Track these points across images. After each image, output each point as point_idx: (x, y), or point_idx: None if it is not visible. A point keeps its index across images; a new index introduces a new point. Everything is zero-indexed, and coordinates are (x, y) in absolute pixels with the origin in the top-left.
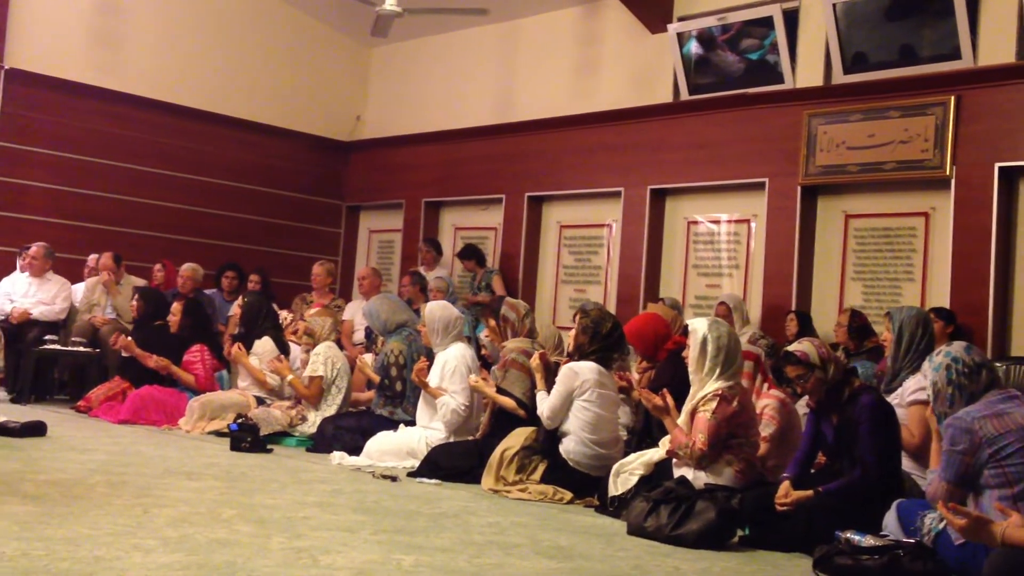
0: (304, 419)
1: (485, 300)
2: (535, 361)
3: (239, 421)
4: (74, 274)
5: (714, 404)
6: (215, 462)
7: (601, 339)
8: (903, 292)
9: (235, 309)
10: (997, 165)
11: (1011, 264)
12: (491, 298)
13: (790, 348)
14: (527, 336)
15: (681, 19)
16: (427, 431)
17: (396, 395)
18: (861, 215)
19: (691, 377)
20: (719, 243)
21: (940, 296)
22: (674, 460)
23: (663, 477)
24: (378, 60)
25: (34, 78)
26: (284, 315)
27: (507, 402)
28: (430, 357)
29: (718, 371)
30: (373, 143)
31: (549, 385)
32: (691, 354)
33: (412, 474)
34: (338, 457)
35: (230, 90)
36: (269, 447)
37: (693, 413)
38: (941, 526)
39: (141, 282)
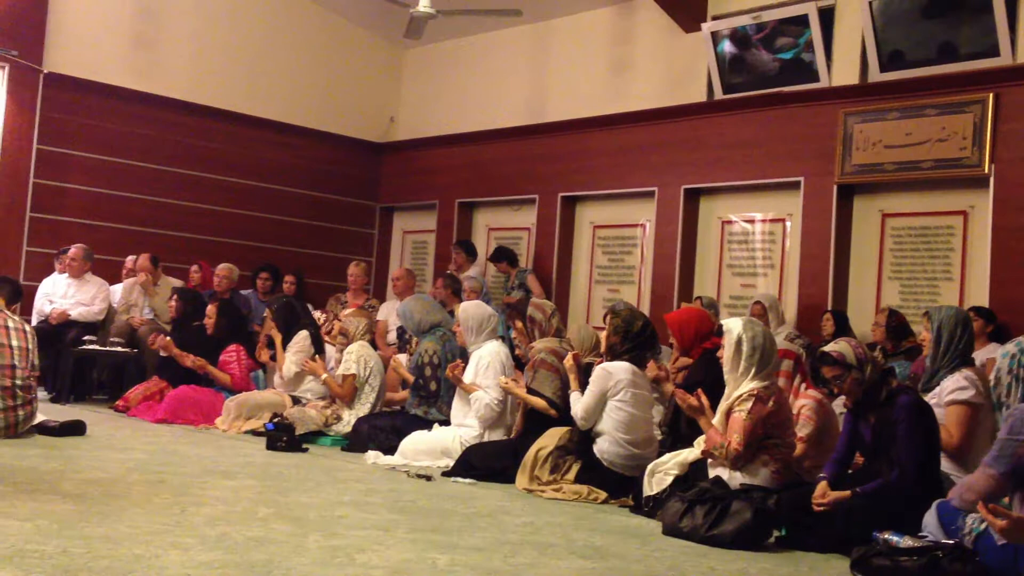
0: (339, 418)
1: (513, 301)
2: (568, 362)
3: (275, 420)
4: (112, 275)
5: (749, 404)
6: (251, 461)
7: (633, 338)
8: (941, 291)
9: (267, 312)
10: None
11: None
12: (517, 299)
13: (826, 348)
14: (554, 336)
15: (715, 18)
16: (461, 430)
17: (430, 395)
18: (898, 214)
19: (726, 377)
20: (754, 243)
21: (979, 295)
22: (709, 460)
23: (698, 477)
24: (411, 61)
25: (73, 82)
26: (319, 315)
27: (538, 402)
28: (464, 358)
29: (753, 371)
30: (407, 144)
31: (582, 385)
32: (726, 354)
33: (446, 473)
34: (373, 456)
35: (265, 93)
36: (304, 446)
37: (728, 413)
38: (982, 527)
39: (178, 283)
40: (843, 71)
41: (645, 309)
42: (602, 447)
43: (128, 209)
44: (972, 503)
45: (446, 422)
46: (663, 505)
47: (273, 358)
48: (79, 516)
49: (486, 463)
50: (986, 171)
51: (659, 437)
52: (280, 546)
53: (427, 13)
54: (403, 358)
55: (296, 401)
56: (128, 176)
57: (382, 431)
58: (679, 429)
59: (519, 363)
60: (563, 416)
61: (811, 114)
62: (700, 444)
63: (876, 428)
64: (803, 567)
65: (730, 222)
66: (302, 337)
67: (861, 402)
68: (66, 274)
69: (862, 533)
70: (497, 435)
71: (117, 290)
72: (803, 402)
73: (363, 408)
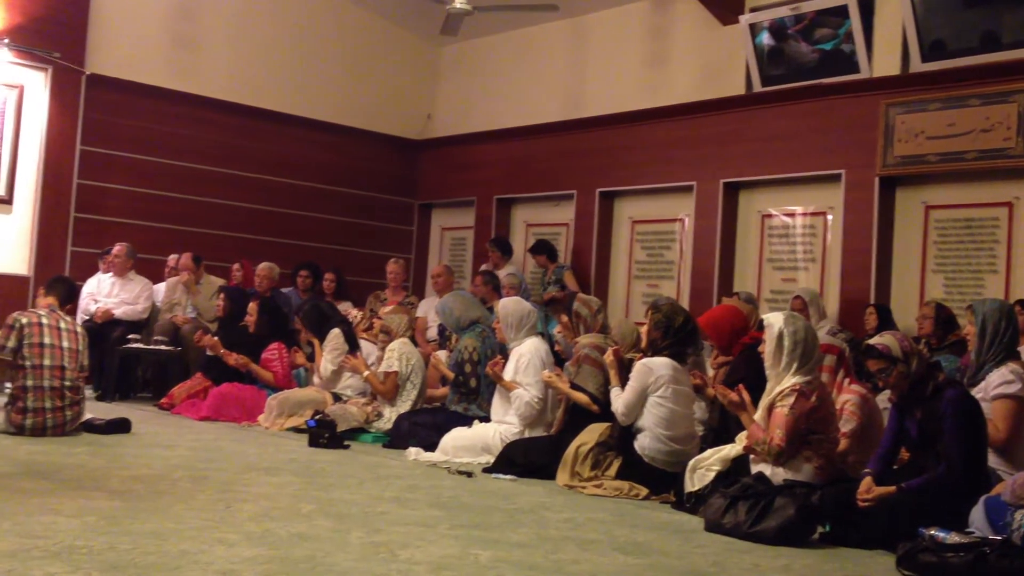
0: (380, 415)
1: (559, 296)
2: (609, 357)
3: (316, 417)
4: (155, 274)
5: (792, 399)
6: (294, 458)
7: (674, 334)
8: (986, 284)
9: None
10: None
11: None
12: (564, 294)
13: (871, 341)
14: (600, 332)
15: (753, 10)
16: (501, 426)
17: (470, 391)
18: (942, 206)
19: (767, 372)
20: (794, 236)
21: None
22: (751, 456)
23: (740, 473)
24: (448, 58)
25: (114, 83)
26: (357, 313)
27: (580, 397)
28: (504, 354)
29: (795, 366)
30: (444, 141)
31: (623, 381)
32: (767, 349)
33: (487, 470)
34: (414, 453)
35: (304, 91)
36: (346, 443)
37: (770, 409)
38: None
39: (221, 281)
40: (884, 62)
41: (685, 304)
42: (643, 443)
43: (170, 208)
44: None
45: (486, 418)
46: (705, 501)
47: (311, 358)
48: (126, 513)
49: (527, 459)
50: None
51: (700, 433)
52: (323, 542)
53: (463, 10)
54: (443, 355)
55: (337, 398)
56: (169, 175)
57: (423, 428)
58: (728, 429)
59: (559, 359)
60: (605, 412)
61: (852, 106)
62: (742, 440)
63: (922, 423)
64: (848, 564)
65: (770, 216)
66: (335, 335)
67: (907, 396)
68: (110, 273)
69: (907, 529)
70: (537, 431)
71: (160, 289)
72: (847, 397)
73: (404, 405)
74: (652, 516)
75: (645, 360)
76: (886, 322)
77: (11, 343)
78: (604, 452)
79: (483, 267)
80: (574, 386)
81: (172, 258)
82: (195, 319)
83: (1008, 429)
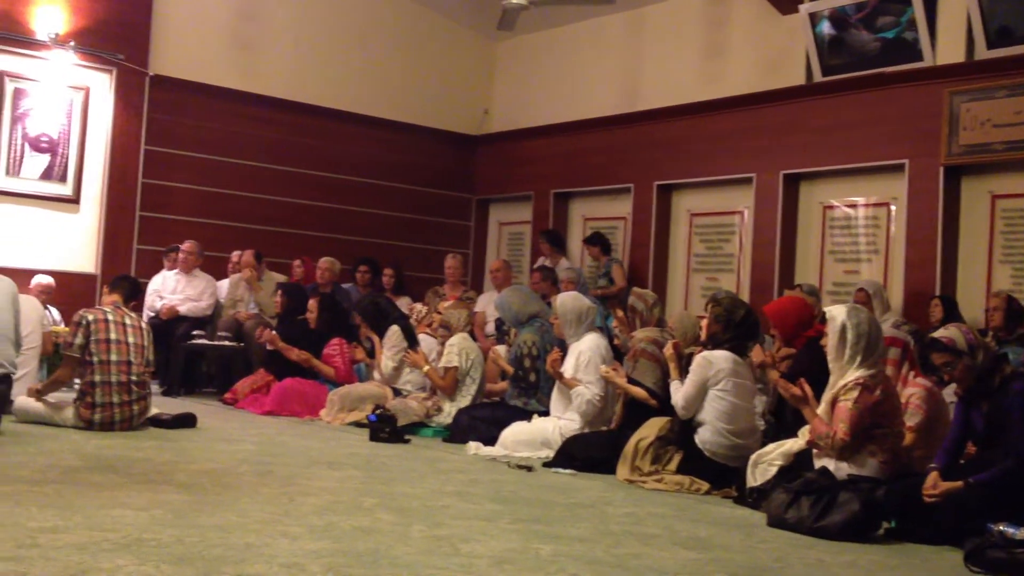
0: (440, 410)
1: (609, 292)
2: (668, 351)
3: (377, 412)
4: (218, 271)
5: (856, 393)
6: (355, 452)
7: (735, 327)
8: None
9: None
10: None
11: None
12: (614, 289)
13: (936, 334)
14: (656, 326)
15: None
16: (561, 421)
17: (530, 386)
18: (1009, 195)
19: (830, 365)
20: (857, 228)
21: None
22: (814, 451)
23: (803, 468)
24: (504, 53)
25: (177, 84)
26: (418, 308)
27: (639, 392)
28: (563, 348)
29: (859, 359)
30: (501, 136)
31: (683, 375)
32: (830, 342)
33: (547, 464)
34: (474, 447)
35: (362, 89)
36: (406, 437)
37: (834, 402)
38: None
39: (282, 278)
40: (948, 49)
41: (745, 297)
42: (704, 437)
43: (232, 206)
44: None
45: (545, 413)
46: (768, 496)
47: (371, 355)
48: (192, 506)
49: (586, 454)
50: None
51: (762, 427)
52: (385, 536)
53: (520, 4)
54: (502, 349)
55: (397, 393)
56: (231, 174)
57: (482, 422)
58: (784, 417)
59: (618, 353)
60: (664, 406)
61: (915, 94)
62: (804, 434)
63: (989, 416)
64: (914, 560)
65: (832, 207)
66: (394, 332)
67: (973, 389)
68: (175, 270)
69: (975, 525)
70: (597, 426)
71: (224, 286)
72: (912, 391)
73: (464, 400)
74: (714, 511)
75: (705, 353)
76: (952, 314)
77: (79, 340)
78: (664, 446)
79: (539, 261)
80: (632, 381)
81: (235, 255)
82: (257, 315)
83: None
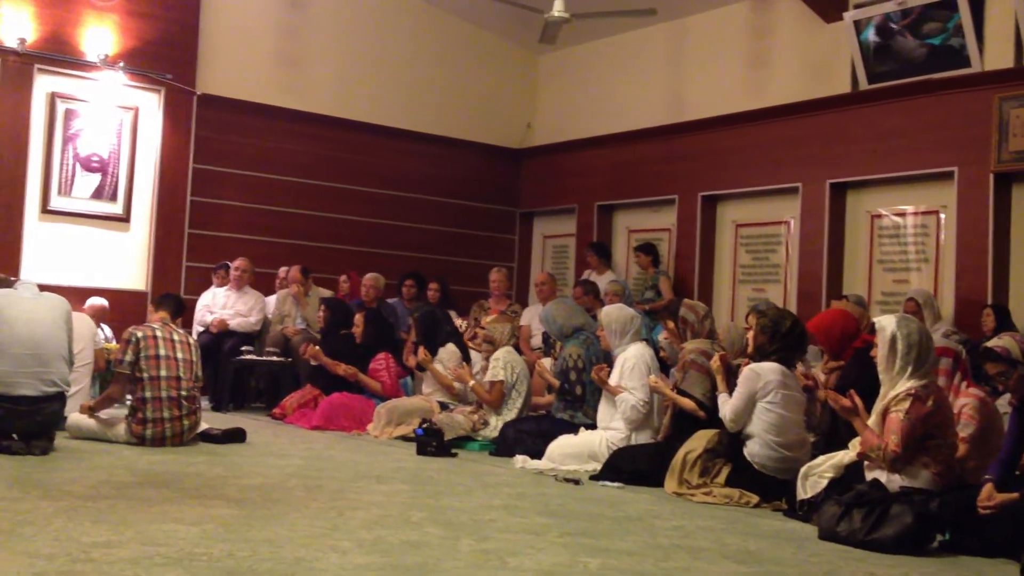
0: (486, 423)
1: (657, 306)
2: (715, 363)
3: (424, 426)
4: (266, 287)
5: (907, 404)
6: (403, 466)
7: (781, 338)
8: None
9: (411, 321)
10: None
11: None
12: (661, 303)
13: (990, 344)
14: (707, 337)
15: (858, 6)
16: (608, 433)
17: (576, 399)
18: None
19: (881, 376)
20: (905, 237)
21: None
22: (865, 463)
23: (854, 480)
24: (546, 67)
25: (224, 102)
26: (461, 322)
27: (687, 403)
28: (608, 361)
29: (910, 369)
30: (544, 149)
31: (731, 387)
32: (880, 353)
33: (594, 477)
34: (521, 461)
35: (406, 104)
36: (453, 451)
37: (885, 414)
38: None
39: (328, 293)
40: (996, 55)
41: (792, 308)
42: (752, 450)
43: (278, 222)
44: None
45: (592, 426)
46: (819, 509)
47: (420, 368)
48: (242, 520)
49: (634, 466)
50: None
51: (811, 439)
52: (434, 549)
53: (561, 17)
54: (547, 362)
55: (444, 407)
56: (278, 190)
57: (529, 435)
58: (838, 433)
59: (664, 365)
60: (712, 418)
61: (963, 101)
62: (855, 446)
63: None
64: (969, 573)
65: (879, 216)
66: (451, 351)
67: None
68: (225, 287)
69: None
70: (644, 438)
71: (271, 301)
72: (964, 401)
73: (510, 413)
74: (764, 524)
75: (753, 365)
76: (1004, 323)
77: (129, 357)
78: (712, 459)
79: (584, 273)
80: (680, 392)
81: (282, 271)
82: (304, 330)
83: None
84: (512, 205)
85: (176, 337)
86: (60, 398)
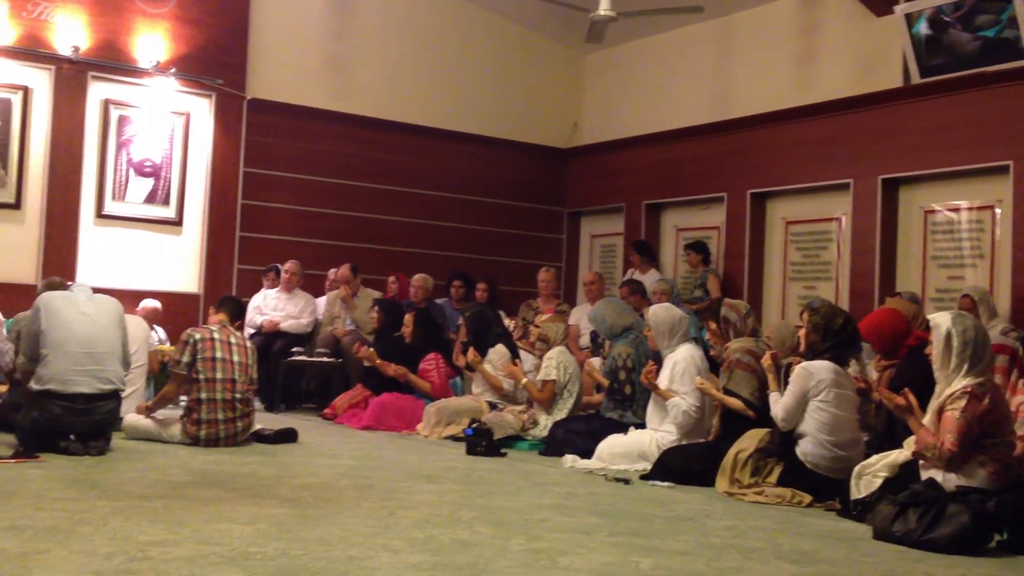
0: (536, 423)
1: (703, 306)
2: (766, 361)
3: (474, 426)
4: (315, 288)
5: (963, 402)
6: (453, 466)
7: (834, 336)
8: None
9: (461, 320)
10: None
11: None
12: (707, 302)
13: None
14: (750, 335)
15: None
16: (658, 433)
17: (625, 398)
18: None
19: (936, 374)
20: (960, 232)
21: None
22: (921, 462)
23: (909, 479)
24: (592, 66)
25: (273, 106)
26: (511, 322)
27: (734, 403)
28: (657, 360)
29: (966, 367)
30: (591, 148)
31: (781, 385)
32: (935, 350)
33: (644, 477)
34: (570, 460)
35: (452, 105)
36: (503, 451)
37: (940, 412)
38: None
39: (377, 294)
40: None
41: (844, 305)
42: (805, 449)
43: (327, 224)
44: None
45: (641, 425)
46: (873, 508)
47: (469, 368)
48: (296, 520)
49: (684, 466)
50: None
51: (865, 438)
52: (485, 549)
53: (608, 16)
54: (596, 362)
55: (493, 406)
56: (326, 193)
57: (578, 435)
58: (893, 431)
59: (715, 365)
60: (761, 417)
61: (1018, 94)
62: (910, 445)
63: None
64: None
65: (933, 212)
66: (501, 352)
67: None
68: (275, 289)
69: None
70: (695, 438)
71: (321, 303)
72: (1021, 398)
73: (560, 413)
74: (817, 524)
75: (805, 364)
76: None
77: (185, 358)
78: (764, 458)
79: (627, 273)
80: (727, 392)
81: (332, 272)
82: (354, 331)
83: None
84: (559, 205)
85: (233, 340)
86: (115, 397)
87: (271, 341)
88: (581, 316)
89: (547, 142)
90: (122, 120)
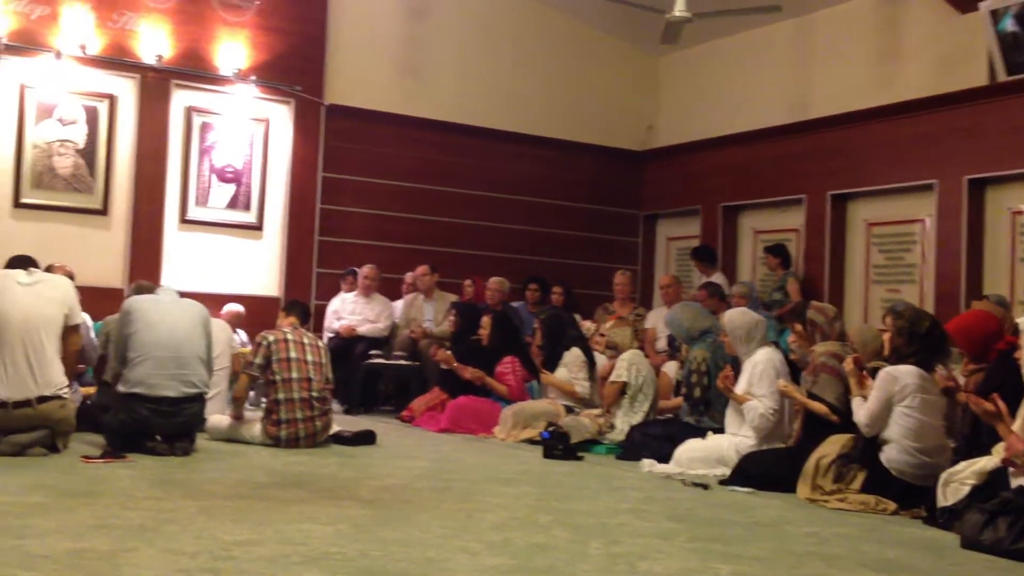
0: (612, 427)
1: (783, 311)
2: (849, 365)
3: (550, 429)
4: (392, 292)
5: None
6: (529, 469)
7: (919, 340)
8: None
9: (536, 323)
10: None
11: None
12: (788, 306)
13: None
14: (837, 339)
15: None
16: (736, 438)
17: (697, 402)
18: None
19: None
20: None
21: None
22: (1010, 469)
23: (998, 487)
24: (667, 67)
25: (350, 112)
26: (587, 325)
27: (819, 407)
28: (735, 365)
29: None
30: (667, 151)
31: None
32: (1023, 354)
33: (723, 482)
34: (648, 464)
35: (527, 108)
36: (580, 454)
37: None
38: None
39: (454, 297)
40: None
41: (929, 309)
42: (890, 455)
43: (403, 228)
44: None
45: (719, 430)
46: (960, 516)
47: (545, 366)
48: (375, 521)
49: (764, 471)
50: None
51: (951, 445)
52: (562, 552)
53: (683, 17)
54: (673, 365)
55: (570, 410)
56: (402, 197)
57: (655, 439)
58: (980, 438)
59: (795, 369)
60: (845, 422)
61: None
62: (999, 451)
63: None
64: None
65: (1021, 212)
66: (575, 355)
67: None
68: (353, 293)
69: None
70: (775, 443)
71: (398, 306)
72: None
73: (636, 416)
74: (902, 532)
75: (889, 368)
76: None
77: (259, 360)
78: (847, 464)
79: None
80: (812, 396)
81: (409, 275)
82: (429, 332)
83: None
84: (635, 208)
85: (306, 340)
86: (200, 399)
87: (351, 345)
88: (658, 319)
89: (622, 145)
90: (204, 127)
